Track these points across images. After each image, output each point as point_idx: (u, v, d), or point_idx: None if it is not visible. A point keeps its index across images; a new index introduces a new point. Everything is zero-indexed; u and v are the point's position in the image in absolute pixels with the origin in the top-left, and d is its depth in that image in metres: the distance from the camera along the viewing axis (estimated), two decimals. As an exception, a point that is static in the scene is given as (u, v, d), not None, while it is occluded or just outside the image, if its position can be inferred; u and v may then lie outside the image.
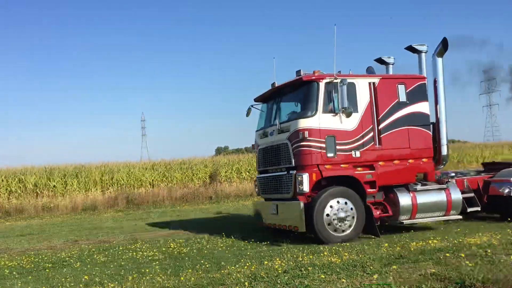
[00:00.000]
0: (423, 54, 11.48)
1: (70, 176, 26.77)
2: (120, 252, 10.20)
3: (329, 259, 7.72)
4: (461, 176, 11.69)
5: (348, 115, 9.88)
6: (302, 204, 9.67)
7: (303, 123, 9.91)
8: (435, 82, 11.36)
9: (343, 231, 9.70)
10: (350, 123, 10.02)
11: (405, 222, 10.21)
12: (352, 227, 9.74)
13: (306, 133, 9.79)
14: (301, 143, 9.87)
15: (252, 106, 12.07)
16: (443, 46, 11.24)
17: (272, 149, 10.94)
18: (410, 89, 10.61)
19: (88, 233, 14.47)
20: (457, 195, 10.54)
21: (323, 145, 9.82)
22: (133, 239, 12.22)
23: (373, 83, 10.36)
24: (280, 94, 11.18)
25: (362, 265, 7.05)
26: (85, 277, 7.57)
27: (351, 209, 9.74)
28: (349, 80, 9.93)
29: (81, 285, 7.07)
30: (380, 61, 12.24)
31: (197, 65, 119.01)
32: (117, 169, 28.30)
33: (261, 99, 11.93)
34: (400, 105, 10.46)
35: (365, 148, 10.09)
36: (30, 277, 8.12)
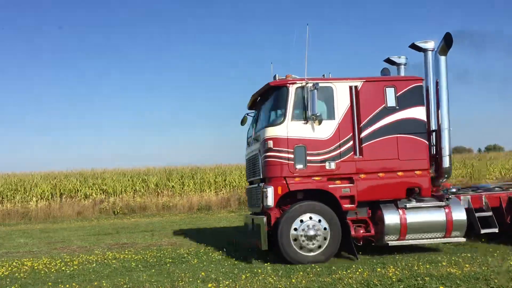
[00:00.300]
0: (429, 53, 10.11)
1: (187, 177, 28.42)
2: (233, 251, 10.60)
3: (448, 269, 7.34)
4: (481, 192, 10.15)
5: (319, 122, 9.00)
6: (264, 219, 8.86)
7: (270, 132, 9.14)
8: (437, 84, 9.99)
9: (310, 250, 8.72)
10: (324, 131, 9.07)
11: (392, 243, 8.96)
12: (321, 249, 8.74)
13: (271, 142, 9.01)
14: (268, 154, 9.07)
15: (247, 114, 11.19)
16: (446, 43, 9.77)
17: (249, 159, 10.40)
18: (401, 92, 9.35)
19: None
20: (460, 214, 9.08)
21: (292, 156, 8.96)
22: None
23: (355, 86, 9.31)
24: (259, 101, 10.50)
25: (485, 278, 6.62)
26: (202, 273, 8.02)
27: (324, 228, 8.76)
28: (325, 84, 9.21)
29: (198, 281, 7.49)
30: (389, 61, 10.76)
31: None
32: (230, 171, 29.51)
33: (249, 106, 11.13)
34: (388, 111, 9.27)
35: (342, 159, 9.03)
36: (153, 270, 8.79)
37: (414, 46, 10.21)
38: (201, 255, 10.38)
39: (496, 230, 9.39)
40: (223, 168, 30.41)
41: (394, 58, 10.66)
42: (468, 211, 9.38)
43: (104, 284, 7.65)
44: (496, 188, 10.66)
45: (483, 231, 9.37)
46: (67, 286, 7.52)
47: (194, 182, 28.09)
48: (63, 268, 9.43)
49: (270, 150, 9.04)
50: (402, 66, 10.69)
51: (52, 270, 9.25)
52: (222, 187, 28.29)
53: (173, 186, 27.66)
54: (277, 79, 9.52)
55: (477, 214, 9.43)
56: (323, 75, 9.66)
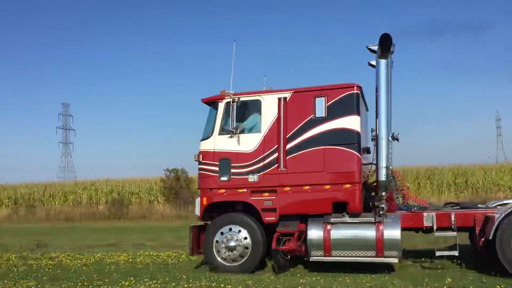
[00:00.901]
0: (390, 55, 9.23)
1: (422, 178, 27.18)
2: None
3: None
4: (466, 210, 9.03)
5: (241, 136, 9.22)
6: (189, 227, 9.55)
7: (201, 145, 9.59)
8: (376, 90, 9.11)
9: (233, 260, 8.94)
10: (249, 144, 9.17)
11: (316, 259, 8.67)
12: (244, 259, 8.93)
13: (201, 156, 9.49)
14: (199, 166, 9.57)
15: None
16: (381, 45, 8.88)
17: None
18: (332, 101, 8.92)
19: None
20: (393, 233, 8.33)
21: (217, 168, 9.27)
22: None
23: (284, 98, 9.18)
24: None
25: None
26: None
27: (245, 238, 8.94)
28: (253, 98, 9.35)
29: None
30: (371, 50, 9.39)
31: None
32: (472, 172, 27.54)
33: None
34: (316, 122, 8.94)
35: (265, 172, 9.02)
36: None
37: (369, 49, 9.35)
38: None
39: (455, 253, 8.46)
40: (463, 168, 28.54)
41: (373, 47, 9.31)
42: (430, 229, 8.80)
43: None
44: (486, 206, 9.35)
45: (438, 253, 8.58)
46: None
47: (431, 183, 26.75)
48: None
49: (200, 163, 9.53)
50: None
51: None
52: (464, 189, 26.71)
53: (408, 186, 26.79)
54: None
55: (436, 234, 8.67)
56: (270, 87, 9.66)
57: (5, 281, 8.67)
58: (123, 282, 8.20)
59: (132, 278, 8.52)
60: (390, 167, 8.92)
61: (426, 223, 8.73)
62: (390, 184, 8.87)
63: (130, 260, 11.30)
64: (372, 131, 9.44)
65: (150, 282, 8.15)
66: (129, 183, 35.77)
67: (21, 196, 35.21)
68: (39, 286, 8.23)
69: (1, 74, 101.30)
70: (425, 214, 8.80)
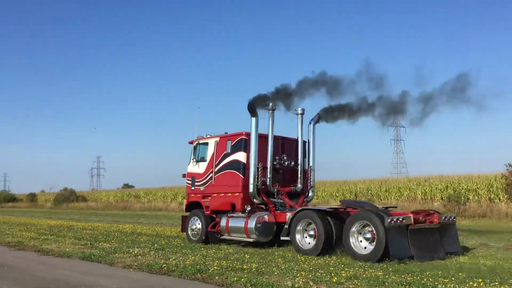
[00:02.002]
0: (269, 112, 14.00)
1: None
2: None
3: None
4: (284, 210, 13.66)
5: (199, 163, 15.34)
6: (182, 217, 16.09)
7: (187, 168, 15.85)
8: (248, 136, 13.89)
9: (196, 237, 14.77)
10: (201, 168, 15.18)
11: (223, 237, 14.22)
12: (199, 236, 14.67)
13: (186, 174, 15.80)
14: (186, 180, 15.88)
15: None
16: (248, 110, 13.81)
17: None
18: (233, 143, 14.25)
19: None
20: (251, 224, 12.99)
21: (190, 182, 15.53)
22: None
23: (216, 141, 14.84)
24: None
25: None
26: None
27: (199, 224, 14.76)
28: (206, 140, 15.29)
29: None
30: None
31: None
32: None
33: None
34: (226, 155, 14.33)
35: (207, 185, 14.85)
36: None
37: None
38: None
39: (287, 238, 12.53)
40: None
41: (293, 111, 14.82)
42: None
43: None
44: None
45: (282, 238, 12.72)
46: None
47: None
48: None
49: (185, 179, 15.84)
50: (300, 116, 14.89)
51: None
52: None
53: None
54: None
55: (285, 226, 12.64)
56: (225, 132, 14.95)
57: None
58: (470, 283, 7.68)
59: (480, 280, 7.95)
60: (261, 183, 13.56)
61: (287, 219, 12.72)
62: (254, 195, 13.53)
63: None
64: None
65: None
66: (465, 180, 33.85)
67: (360, 191, 38.20)
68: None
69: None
70: (287, 214, 13.02)
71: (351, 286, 7.60)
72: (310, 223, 11.83)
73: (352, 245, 10.83)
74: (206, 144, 15.16)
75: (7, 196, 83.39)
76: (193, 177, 15.32)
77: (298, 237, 12.06)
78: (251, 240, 13.10)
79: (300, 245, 11.96)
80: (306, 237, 11.98)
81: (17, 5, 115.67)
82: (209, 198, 14.59)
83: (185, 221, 15.43)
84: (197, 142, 15.40)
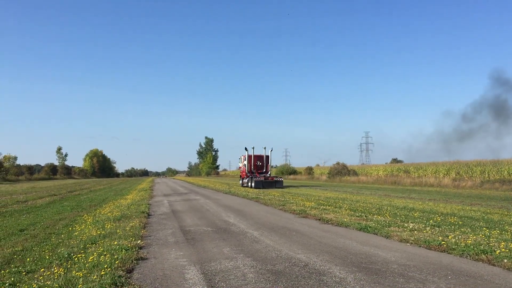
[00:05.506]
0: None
1: None
2: None
3: None
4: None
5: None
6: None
7: None
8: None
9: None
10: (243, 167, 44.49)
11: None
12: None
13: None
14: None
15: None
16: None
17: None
18: (244, 157, 43.31)
19: None
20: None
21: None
22: None
23: (244, 156, 43.43)
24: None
25: None
26: None
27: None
28: (243, 154, 43.99)
29: None
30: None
31: None
32: None
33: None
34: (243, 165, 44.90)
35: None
36: None
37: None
38: None
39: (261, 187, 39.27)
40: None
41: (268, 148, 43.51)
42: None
43: None
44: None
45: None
46: None
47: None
48: None
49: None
50: (270, 151, 43.10)
51: None
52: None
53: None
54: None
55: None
56: (252, 148, 43.12)
57: None
58: None
59: None
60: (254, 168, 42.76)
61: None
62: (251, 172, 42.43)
63: None
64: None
65: None
66: None
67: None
68: None
69: None
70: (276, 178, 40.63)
71: None
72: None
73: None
74: (244, 157, 43.36)
75: (288, 169, 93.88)
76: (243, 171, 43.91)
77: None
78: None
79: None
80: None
81: None
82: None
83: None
84: (241, 156, 41.67)
